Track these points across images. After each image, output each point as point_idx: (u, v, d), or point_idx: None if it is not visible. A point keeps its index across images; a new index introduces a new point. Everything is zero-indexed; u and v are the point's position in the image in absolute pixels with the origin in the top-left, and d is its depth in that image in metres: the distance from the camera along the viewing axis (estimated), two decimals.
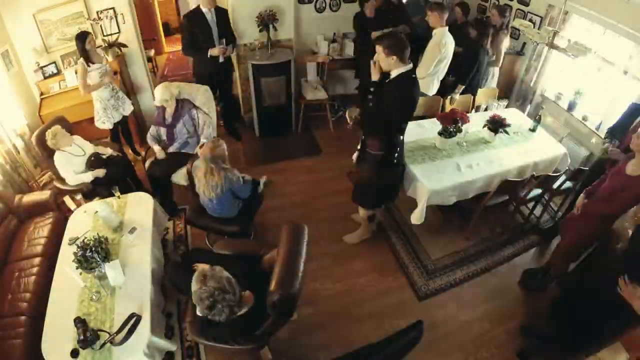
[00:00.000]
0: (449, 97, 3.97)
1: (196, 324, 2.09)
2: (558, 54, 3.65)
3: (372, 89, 2.49)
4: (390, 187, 2.96)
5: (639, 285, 1.84)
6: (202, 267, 1.85)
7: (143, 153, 3.57)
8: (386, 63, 2.36)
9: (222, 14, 3.70)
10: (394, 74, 2.39)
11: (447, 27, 3.49)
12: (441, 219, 3.53)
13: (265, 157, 4.30)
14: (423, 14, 3.82)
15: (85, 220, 2.69)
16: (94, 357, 1.94)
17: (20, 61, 3.66)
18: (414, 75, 2.41)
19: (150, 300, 2.20)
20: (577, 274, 2.75)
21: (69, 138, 3.11)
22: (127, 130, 4.01)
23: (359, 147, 2.91)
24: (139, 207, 2.80)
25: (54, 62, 3.85)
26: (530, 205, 3.58)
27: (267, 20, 3.85)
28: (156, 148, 3.34)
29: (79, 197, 3.26)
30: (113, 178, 3.20)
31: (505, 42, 4.02)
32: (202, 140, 3.34)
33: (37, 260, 2.67)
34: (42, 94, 3.84)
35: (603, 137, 3.31)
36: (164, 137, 3.39)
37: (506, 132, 3.29)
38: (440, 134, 3.23)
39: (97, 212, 2.62)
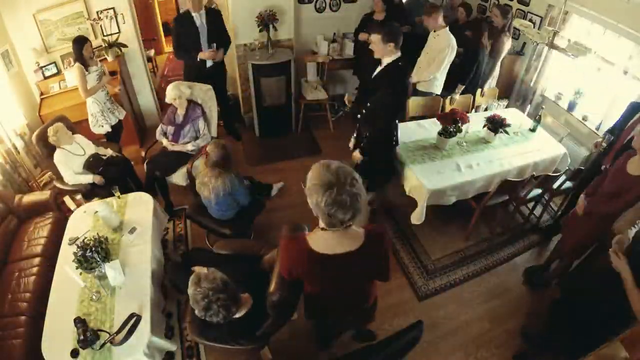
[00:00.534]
0: (449, 97, 3.97)
1: (196, 324, 2.09)
2: (558, 54, 3.65)
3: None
4: (387, 165, 3.13)
5: None
6: (198, 270, 1.85)
7: (143, 153, 3.56)
8: (383, 50, 2.58)
9: (214, 16, 3.66)
10: (385, 61, 2.64)
11: (447, 27, 3.52)
12: (441, 219, 3.53)
13: (265, 157, 4.30)
14: (423, 14, 3.83)
15: (85, 220, 2.69)
16: (94, 357, 1.94)
17: (20, 61, 3.66)
18: (400, 63, 2.62)
19: (150, 300, 2.20)
20: (577, 273, 2.75)
21: (71, 136, 3.12)
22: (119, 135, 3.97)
23: (354, 135, 3.09)
24: (139, 207, 2.80)
25: (54, 62, 3.85)
26: (530, 205, 3.58)
27: (267, 20, 3.84)
28: (165, 141, 3.37)
29: (78, 197, 3.25)
30: (112, 178, 3.19)
31: (507, 45, 3.93)
32: (201, 142, 3.36)
33: (37, 260, 2.67)
34: (42, 94, 3.84)
35: (602, 135, 3.31)
36: (170, 136, 3.39)
37: (506, 132, 3.29)
38: (440, 134, 3.23)
39: (97, 212, 2.62)
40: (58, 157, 3.06)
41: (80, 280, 2.21)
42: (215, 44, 3.66)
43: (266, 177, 3.79)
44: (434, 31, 3.61)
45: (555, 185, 3.30)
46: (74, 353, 1.95)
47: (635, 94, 3.24)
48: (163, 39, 6.82)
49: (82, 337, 1.94)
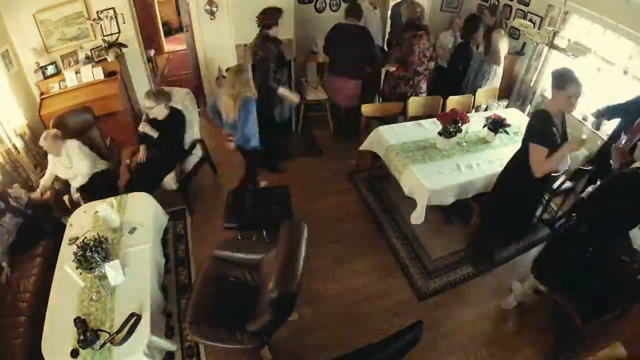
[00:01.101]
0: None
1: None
2: (558, 54, 3.64)
3: None
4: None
5: None
6: None
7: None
8: None
9: None
10: None
11: None
12: (441, 219, 3.53)
13: None
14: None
15: (86, 220, 2.69)
16: (94, 357, 1.94)
17: (20, 61, 3.66)
18: None
19: (150, 300, 2.20)
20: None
21: (59, 148, 2.98)
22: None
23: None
24: (139, 207, 2.80)
25: (54, 62, 3.85)
26: None
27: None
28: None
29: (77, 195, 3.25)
30: (95, 190, 3.08)
31: (502, 41, 4.08)
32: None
33: (37, 260, 2.67)
34: (42, 94, 3.84)
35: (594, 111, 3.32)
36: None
37: (506, 132, 3.29)
38: (440, 134, 3.23)
39: (97, 212, 2.62)
40: (49, 156, 3.06)
41: (80, 280, 2.21)
42: None
43: (266, 177, 3.80)
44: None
45: (555, 185, 3.30)
46: (74, 353, 1.95)
47: (635, 94, 3.23)
48: (163, 39, 6.82)
49: (82, 337, 1.94)
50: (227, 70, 2.92)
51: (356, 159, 4.04)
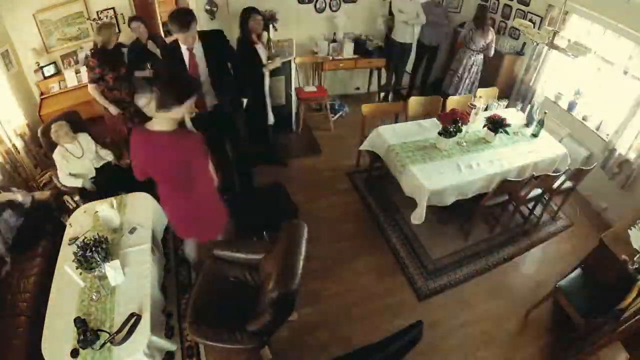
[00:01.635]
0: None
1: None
2: (558, 54, 3.65)
3: None
4: None
5: None
6: None
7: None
8: None
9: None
10: None
11: None
12: (441, 219, 3.53)
13: None
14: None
15: (85, 220, 2.69)
16: (94, 357, 1.94)
17: (20, 61, 3.66)
18: None
19: (150, 300, 2.20)
20: None
21: (72, 137, 3.05)
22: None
23: None
24: (139, 207, 2.80)
25: (54, 62, 3.85)
26: (530, 205, 3.58)
27: (267, 20, 3.85)
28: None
29: (77, 197, 3.25)
30: (104, 186, 3.09)
31: (488, 36, 4.28)
32: None
33: (37, 260, 2.67)
34: (42, 94, 3.85)
35: None
36: None
37: (506, 132, 3.29)
38: (440, 134, 3.23)
39: (97, 212, 2.62)
40: (56, 154, 3.04)
41: (80, 280, 2.21)
42: None
43: (265, 177, 3.79)
44: None
45: (555, 185, 3.30)
46: (74, 353, 1.94)
47: (635, 94, 3.24)
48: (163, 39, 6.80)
49: (82, 337, 1.93)
50: None
51: (356, 159, 4.04)
